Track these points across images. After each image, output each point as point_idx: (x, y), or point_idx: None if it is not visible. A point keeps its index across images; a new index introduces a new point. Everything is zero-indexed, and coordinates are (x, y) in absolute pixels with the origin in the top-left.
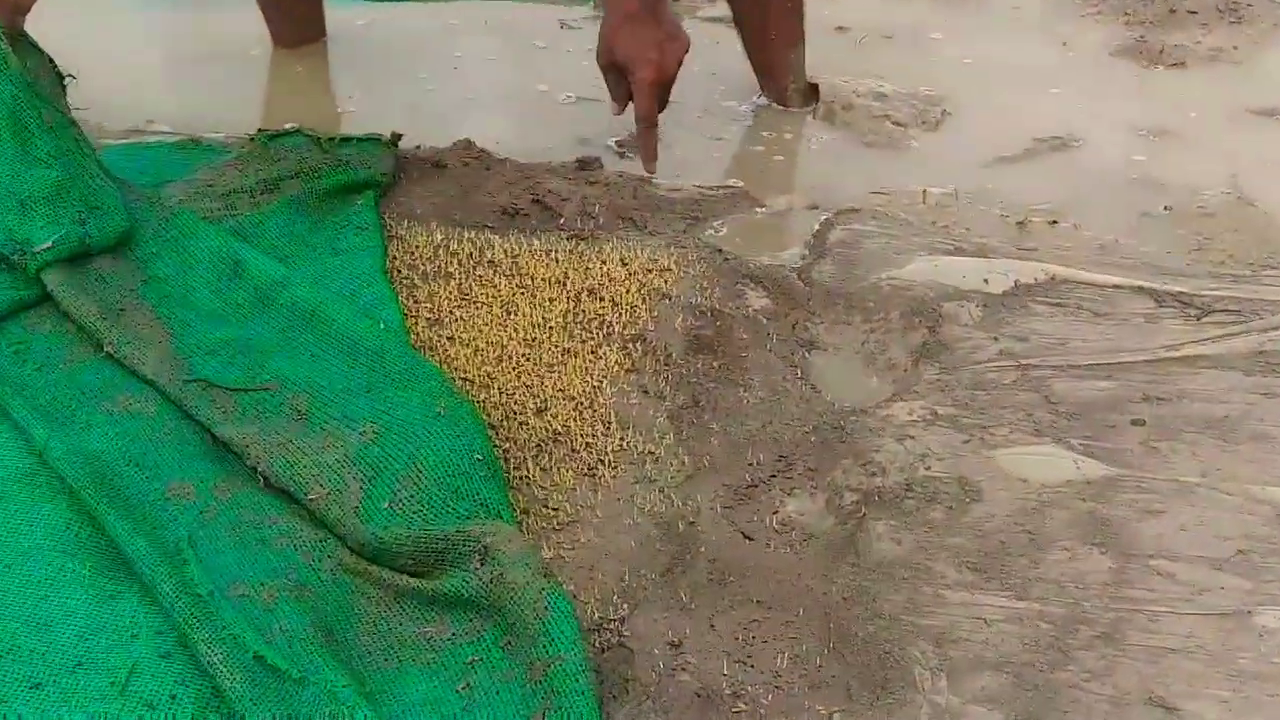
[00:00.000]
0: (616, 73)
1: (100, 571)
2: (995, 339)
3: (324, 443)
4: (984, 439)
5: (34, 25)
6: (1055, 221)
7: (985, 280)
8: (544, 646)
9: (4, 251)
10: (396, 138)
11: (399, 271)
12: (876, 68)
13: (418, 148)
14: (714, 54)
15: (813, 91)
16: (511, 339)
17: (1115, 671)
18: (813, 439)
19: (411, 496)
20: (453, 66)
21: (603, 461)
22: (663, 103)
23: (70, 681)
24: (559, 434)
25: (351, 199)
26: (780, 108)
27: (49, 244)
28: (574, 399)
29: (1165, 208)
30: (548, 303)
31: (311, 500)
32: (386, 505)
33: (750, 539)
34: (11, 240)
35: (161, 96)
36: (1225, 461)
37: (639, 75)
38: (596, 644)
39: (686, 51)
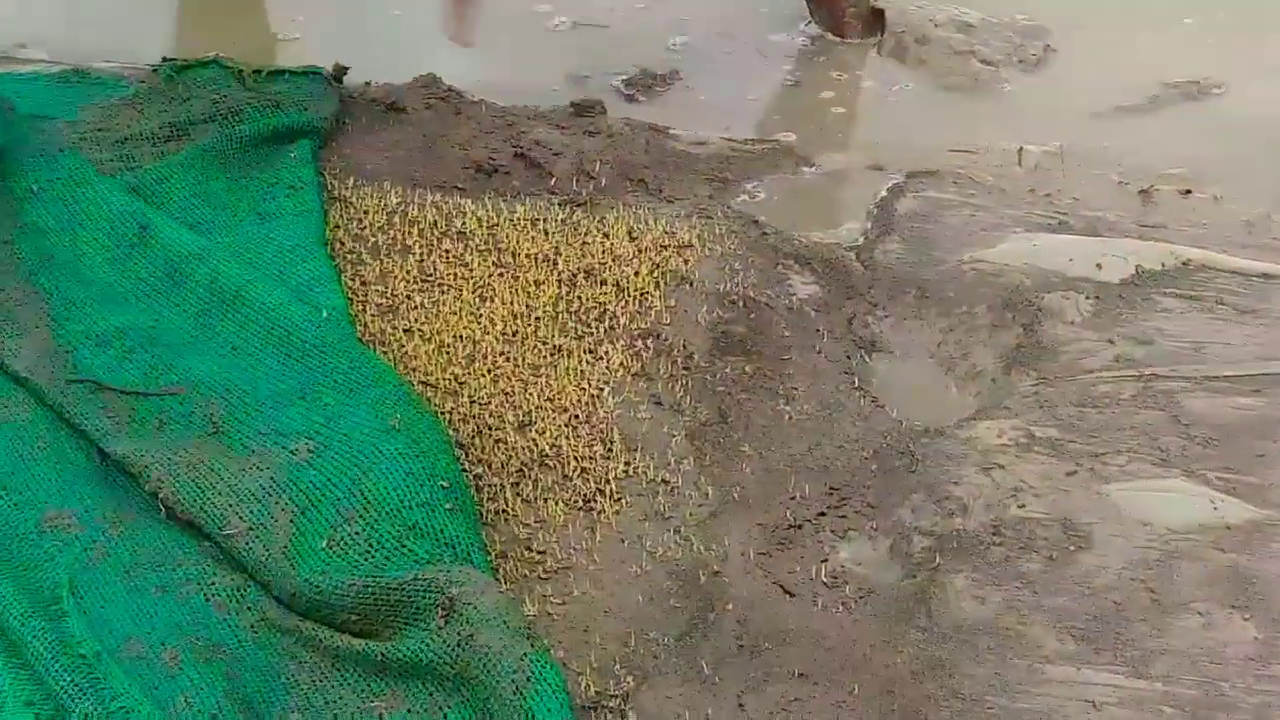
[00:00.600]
0: None
1: None
2: (1110, 341)
3: (245, 464)
4: (1094, 470)
5: None
6: (1189, 191)
7: (1098, 265)
8: None
9: None
10: (341, 71)
11: (342, 244)
12: None
13: (368, 84)
14: None
15: (876, 19)
16: (487, 333)
17: None
18: (873, 467)
19: (357, 534)
20: None
21: (602, 491)
22: None
23: None
24: (547, 455)
25: (282, 150)
26: (835, 39)
27: None
28: (566, 410)
29: None
30: (533, 286)
31: (228, 536)
32: (325, 545)
33: (791, 595)
34: None
35: (38, 14)
36: None
37: None
38: None
39: None
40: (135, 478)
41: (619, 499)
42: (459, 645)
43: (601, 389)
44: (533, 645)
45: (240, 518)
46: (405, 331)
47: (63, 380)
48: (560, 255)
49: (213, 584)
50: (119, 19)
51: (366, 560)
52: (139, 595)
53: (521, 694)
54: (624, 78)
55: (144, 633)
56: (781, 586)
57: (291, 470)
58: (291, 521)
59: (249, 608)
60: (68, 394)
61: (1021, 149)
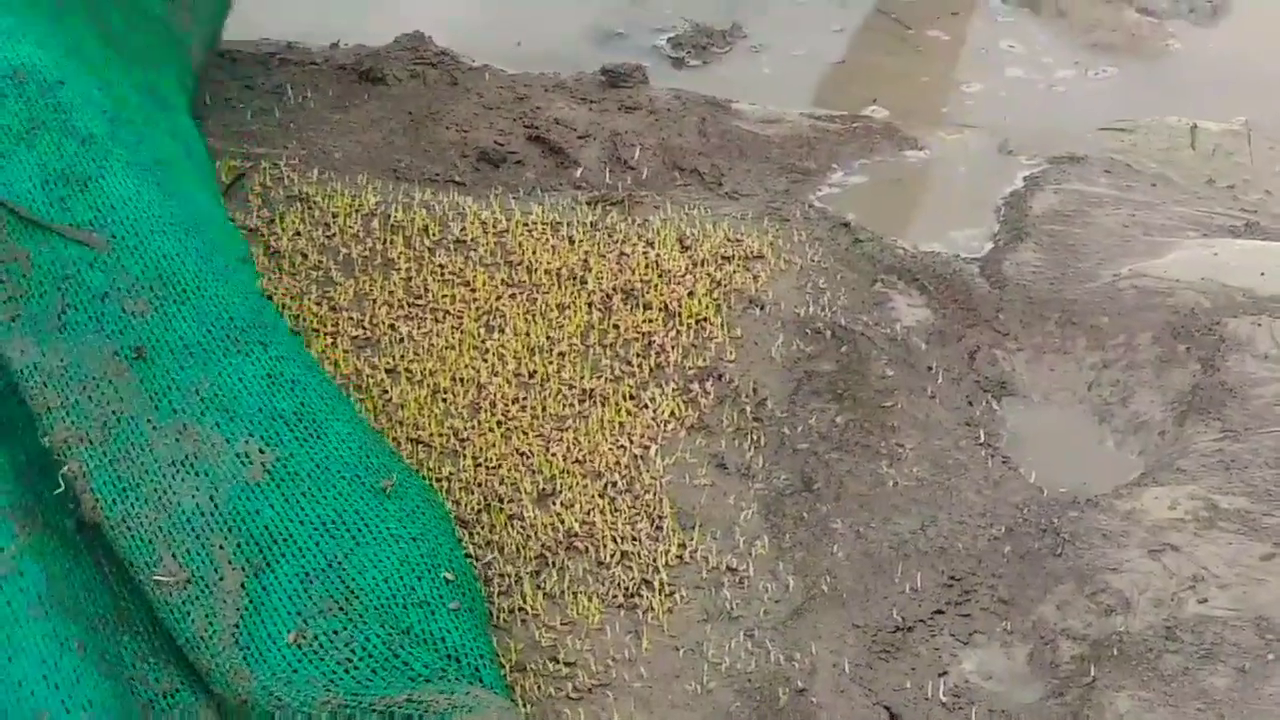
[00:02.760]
0: None
1: None
2: None
3: (176, 448)
4: None
5: None
6: None
7: None
8: None
9: None
10: None
11: (304, 257)
12: None
13: (335, 46)
14: None
15: None
16: (496, 374)
17: None
18: (1005, 549)
19: (336, 633)
20: None
21: (650, 583)
22: None
23: None
24: (576, 535)
25: None
26: None
27: None
28: (601, 476)
29: None
30: (556, 312)
31: (160, 585)
32: (292, 639)
33: (899, 719)
34: None
35: None
36: None
37: None
38: None
39: None
40: (41, 434)
41: (672, 593)
42: None
43: (647, 447)
44: None
45: (175, 557)
46: (389, 372)
47: None
48: (590, 270)
49: (133, 679)
50: None
51: (347, 671)
52: (59, 645)
53: None
54: (670, 35)
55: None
56: (887, 709)
57: (238, 492)
58: (243, 585)
59: (170, 706)
60: None
61: (1195, 127)
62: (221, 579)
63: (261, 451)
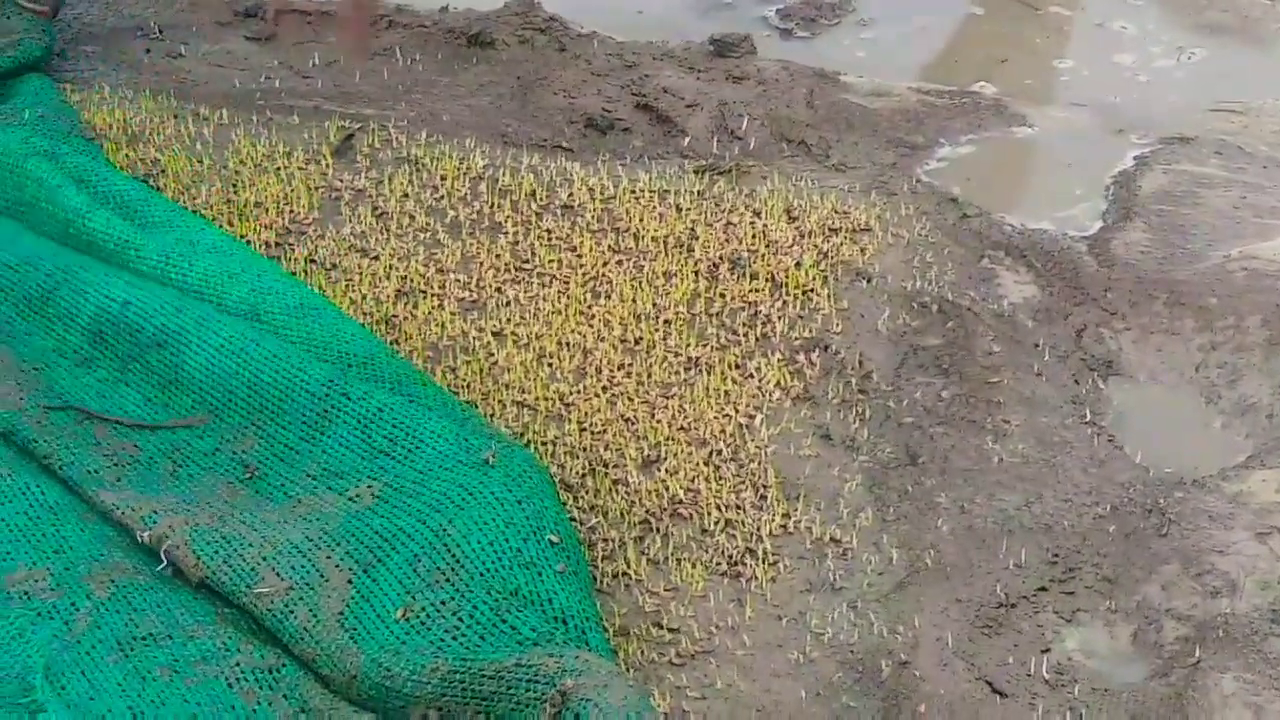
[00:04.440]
0: None
1: None
2: None
3: (288, 512)
4: None
5: None
6: None
7: None
8: None
9: None
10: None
11: (412, 218)
12: None
13: (444, 10)
14: None
15: None
16: (601, 339)
17: None
18: (1110, 528)
19: (442, 602)
20: None
21: (753, 552)
22: None
23: None
24: (680, 503)
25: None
26: None
27: None
28: (706, 444)
29: None
30: (663, 280)
31: (261, 597)
32: (400, 615)
33: (1003, 695)
34: None
35: None
36: None
37: None
38: None
39: None
40: (129, 530)
41: (775, 562)
42: None
43: (752, 416)
44: None
45: (278, 575)
46: (495, 335)
47: (36, 408)
48: (697, 239)
49: (237, 663)
50: None
51: (454, 638)
52: (139, 679)
53: None
54: (779, 6)
55: None
56: (990, 684)
57: (349, 520)
58: (350, 582)
59: (285, 694)
60: (45, 425)
61: None
62: (327, 580)
63: (370, 487)
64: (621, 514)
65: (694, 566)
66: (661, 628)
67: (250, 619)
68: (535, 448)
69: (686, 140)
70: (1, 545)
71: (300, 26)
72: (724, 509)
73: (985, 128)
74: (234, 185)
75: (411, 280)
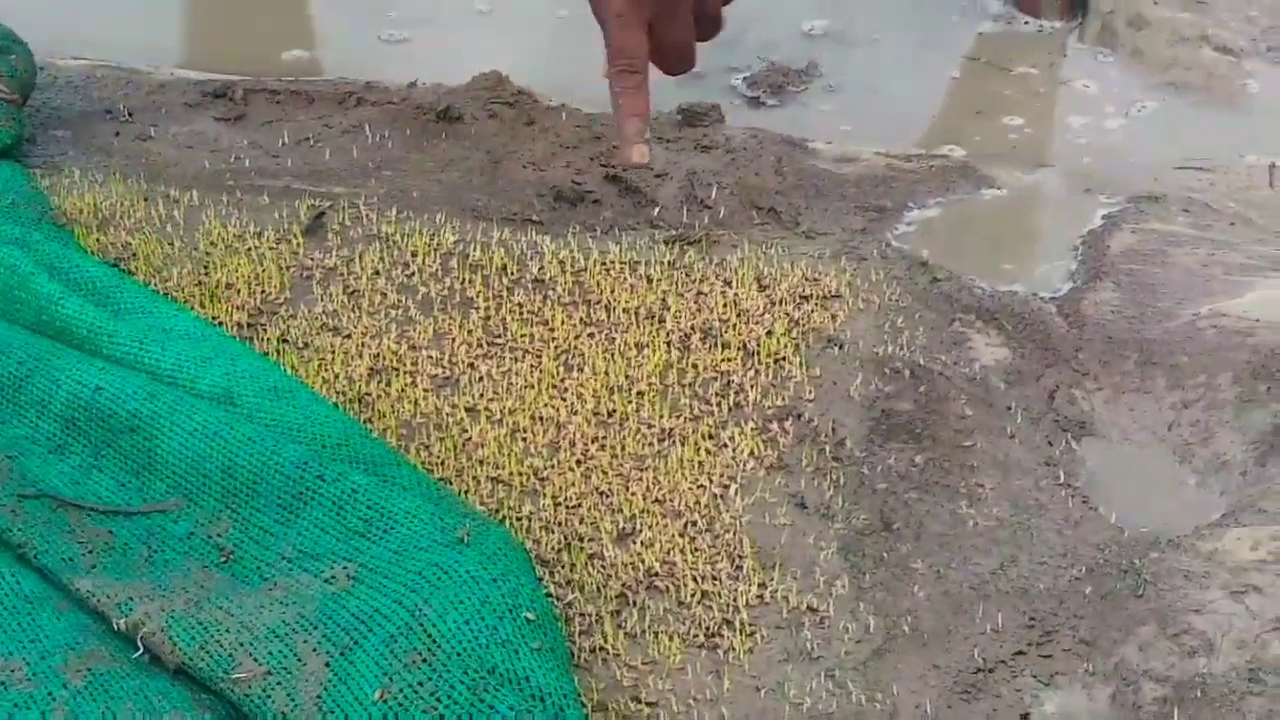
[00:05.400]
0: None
1: None
2: None
3: (264, 597)
4: None
5: None
6: None
7: None
8: None
9: None
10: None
11: (384, 296)
12: None
13: (413, 85)
14: None
15: None
16: (574, 413)
17: None
18: (1086, 590)
19: (420, 683)
20: None
21: (730, 623)
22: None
23: None
24: (656, 575)
25: None
26: (1027, 19)
27: None
28: (680, 516)
29: None
30: (635, 351)
31: (237, 683)
32: (378, 697)
33: None
34: None
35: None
36: None
37: (669, 34)
38: None
39: None
40: (105, 617)
41: (752, 633)
42: None
43: (727, 486)
44: None
45: (255, 660)
46: (468, 411)
47: (9, 497)
48: (669, 309)
49: None
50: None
51: (433, 719)
52: None
53: None
54: (746, 75)
55: None
56: None
57: (325, 602)
58: (327, 665)
59: None
60: (20, 514)
61: (1274, 165)
62: (304, 664)
63: (345, 568)
64: (598, 588)
65: (671, 639)
66: (640, 702)
67: (228, 705)
68: (510, 524)
69: (656, 210)
70: None
71: (269, 106)
72: (700, 580)
73: (954, 190)
74: (205, 267)
75: (384, 358)
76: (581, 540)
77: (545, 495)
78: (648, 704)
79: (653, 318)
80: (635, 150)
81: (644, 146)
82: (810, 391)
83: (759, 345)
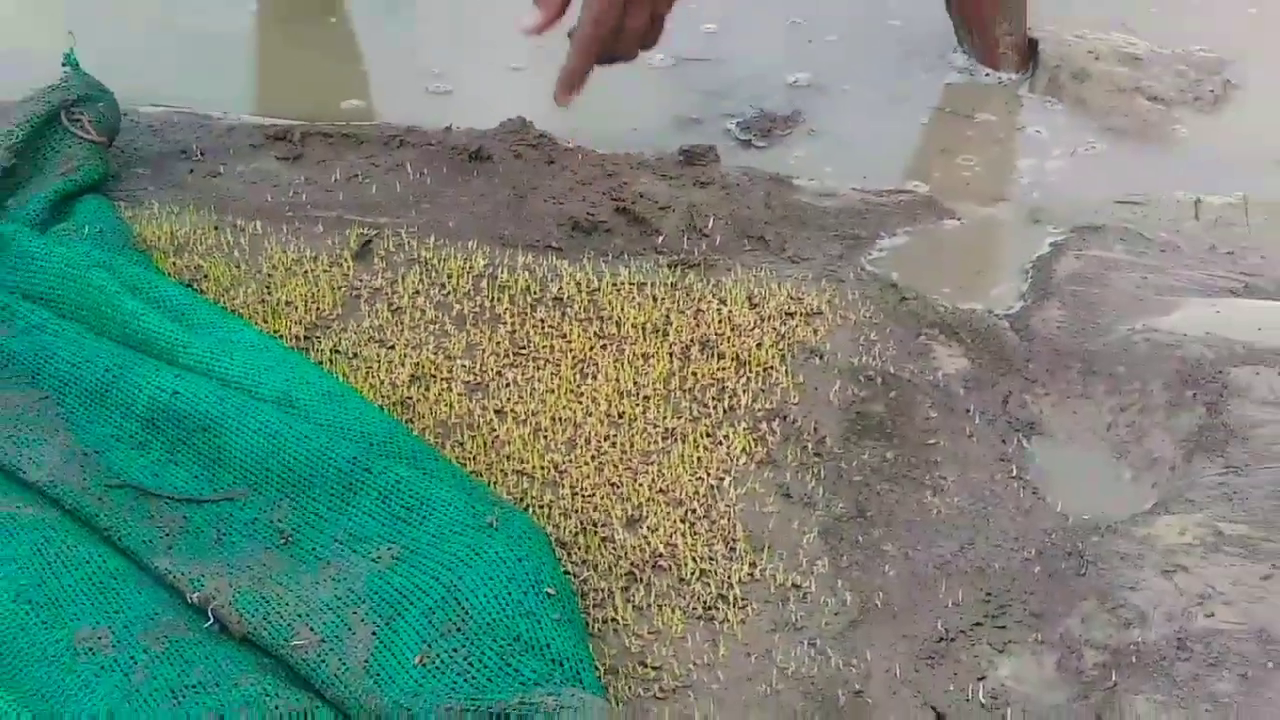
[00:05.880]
0: None
1: None
2: None
3: (319, 575)
4: None
5: None
6: None
7: None
8: None
9: None
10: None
11: (423, 312)
12: (1123, 17)
13: (448, 130)
14: None
15: (1030, 50)
16: (589, 414)
17: None
18: (1035, 569)
19: (455, 650)
20: (500, 15)
21: (725, 598)
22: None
23: None
24: (660, 555)
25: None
26: (987, 72)
27: None
28: (682, 504)
29: None
30: (641, 361)
31: (296, 649)
32: (417, 661)
33: (945, 718)
34: None
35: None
36: None
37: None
38: None
39: None
40: (180, 592)
41: (744, 606)
42: None
43: (722, 479)
44: None
45: (311, 629)
46: (497, 413)
47: (98, 486)
48: (671, 325)
49: (276, 707)
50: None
51: (465, 681)
52: None
53: None
54: (739, 120)
55: None
56: (934, 709)
57: (372, 579)
58: (374, 634)
59: None
60: (106, 501)
61: (1199, 200)
62: (354, 633)
63: (389, 550)
64: (609, 567)
65: (673, 612)
66: (646, 666)
67: (287, 668)
68: (533, 511)
69: (660, 239)
70: (70, 608)
71: (323, 147)
72: (699, 560)
73: (919, 221)
74: (267, 287)
75: (423, 367)
76: (595, 525)
77: (563, 486)
78: (653, 668)
79: (657, 332)
80: (564, 97)
81: (572, 98)
82: (795, 396)
83: (750, 356)
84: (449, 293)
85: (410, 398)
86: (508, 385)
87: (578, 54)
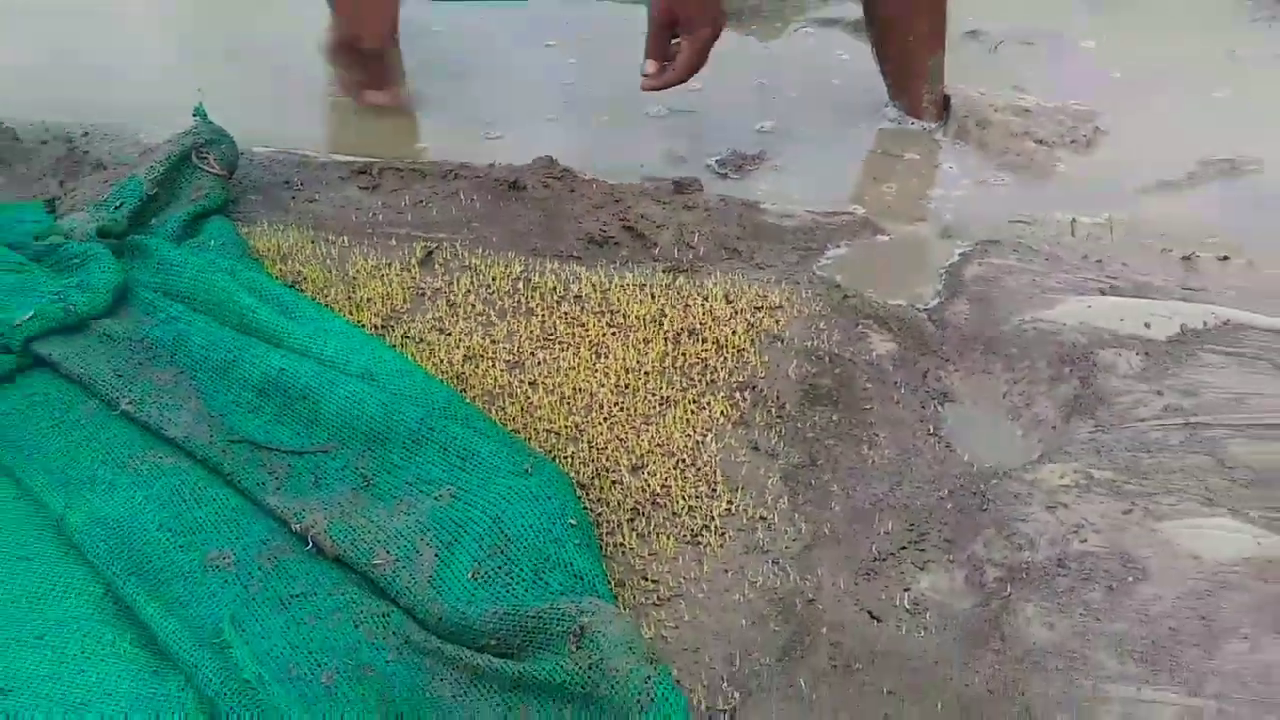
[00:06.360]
0: (668, 29)
1: (142, 644)
2: (1159, 393)
3: (394, 509)
4: (1148, 509)
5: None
6: (1227, 257)
7: (1146, 325)
8: None
9: None
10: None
11: (473, 306)
12: (1016, 78)
13: (492, 166)
14: (826, 59)
15: (944, 105)
16: (602, 385)
17: None
18: (948, 505)
19: (498, 567)
20: (530, 76)
21: (708, 527)
22: (704, 59)
23: None
24: (658, 495)
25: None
26: (912, 121)
27: (29, 315)
28: (674, 455)
29: None
30: (642, 344)
31: (376, 567)
32: (470, 576)
33: (878, 620)
34: None
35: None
36: None
37: (699, 32)
38: None
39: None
40: (286, 523)
41: (722, 534)
42: (590, 669)
43: (705, 436)
44: (655, 669)
45: (388, 552)
46: (530, 384)
47: (222, 441)
48: (665, 316)
49: (360, 611)
50: (278, 108)
51: (507, 591)
52: (295, 624)
53: (647, 710)
54: (717, 158)
55: (301, 658)
56: (869, 613)
57: (435, 512)
58: (436, 555)
59: (394, 632)
60: (229, 453)
61: (1074, 220)
62: (420, 555)
63: (448, 490)
64: (618, 504)
65: (668, 538)
66: (647, 580)
67: (369, 582)
68: (559, 461)
69: (657, 250)
70: (200, 535)
71: (396, 179)
72: (687, 499)
73: (858, 236)
74: (352, 287)
75: (473, 349)
76: (607, 471)
77: (582, 441)
78: (652, 581)
79: (654, 322)
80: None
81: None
82: (761, 371)
83: (726, 340)
84: (493, 292)
85: (463, 373)
86: (539, 363)
87: (675, 80)
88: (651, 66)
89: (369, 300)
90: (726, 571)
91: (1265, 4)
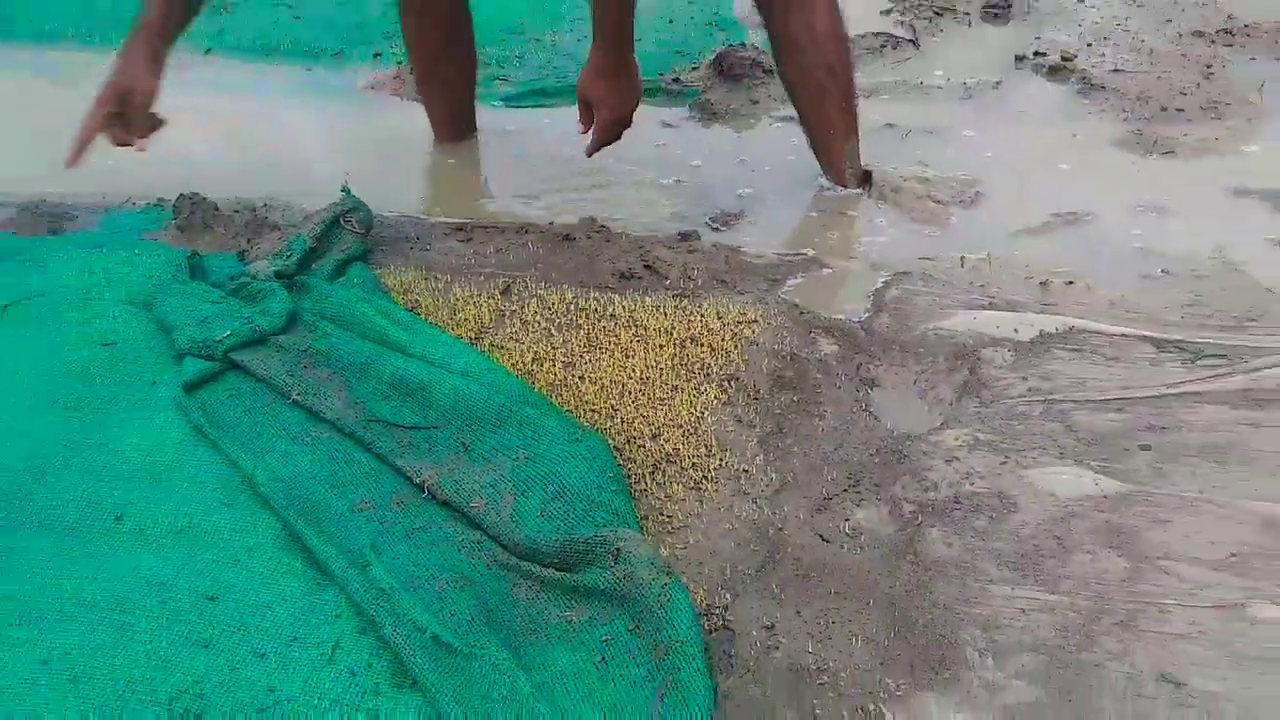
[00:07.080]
0: (587, 106)
1: (309, 564)
2: (1024, 378)
3: (485, 468)
4: (1018, 461)
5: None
6: (1071, 282)
7: (1015, 330)
8: (666, 631)
9: (195, 351)
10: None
11: (538, 324)
12: (920, 156)
13: (550, 224)
14: (785, 146)
15: (867, 176)
16: (630, 378)
17: (1132, 653)
18: (876, 460)
19: (559, 508)
20: (579, 158)
21: (706, 478)
22: (617, 135)
23: (289, 652)
24: (670, 455)
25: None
26: (841, 189)
27: (227, 333)
28: (681, 426)
29: (1163, 271)
30: (658, 349)
31: (473, 509)
32: (539, 514)
33: (827, 541)
34: (195, 341)
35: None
36: (1219, 480)
37: (600, 113)
38: (705, 626)
39: (638, 103)
40: (408, 478)
41: (716, 482)
42: (624, 578)
43: (703, 412)
44: (670, 577)
45: (480, 498)
46: (579, 378)
47: (363, 420)
48: (674, 329)
49: (462, 539)
50: (388, 185)
51: (565, 524)
52: (416, 549)
53: (664, 607)
54: (710, 216)
55: (420, 573)
56: (821, 536)
57: (514, 470)
58: (514, 500)
59: (486, 553)
60: (369, 429)
61: (963, 257)
62: (503, 500)
63: (523, 454)
64: (642, 461)
65: (678, 486)
66: (663, 516)
67: (467, 519)
68: (601, 431)
69: (668, 281)
70: (349, 488)
71: (483, 233)
72: (692, 457)
73: (809, 270)
74: (454, 311)
75: (539, 353)
76: (634, 439)
77: (616, 418)
78: (666, 517)
79: (667, 333)
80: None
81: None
82: (743, 367)
83: (718, 345)
84: (553, 312)
85: (532, 370)
86: (585, 363)
87: (591, 148)
88: (580, 129)
89: (465, 320)
90: (719, 509)
91: (1097, 99)
